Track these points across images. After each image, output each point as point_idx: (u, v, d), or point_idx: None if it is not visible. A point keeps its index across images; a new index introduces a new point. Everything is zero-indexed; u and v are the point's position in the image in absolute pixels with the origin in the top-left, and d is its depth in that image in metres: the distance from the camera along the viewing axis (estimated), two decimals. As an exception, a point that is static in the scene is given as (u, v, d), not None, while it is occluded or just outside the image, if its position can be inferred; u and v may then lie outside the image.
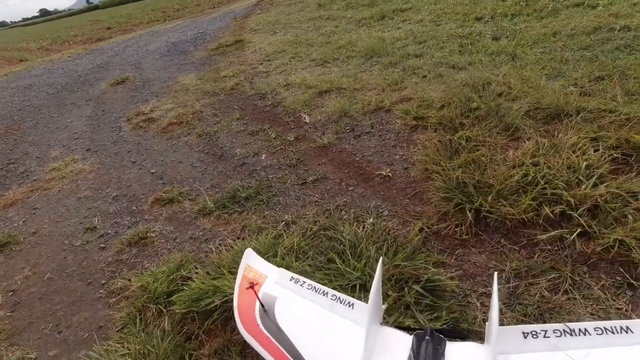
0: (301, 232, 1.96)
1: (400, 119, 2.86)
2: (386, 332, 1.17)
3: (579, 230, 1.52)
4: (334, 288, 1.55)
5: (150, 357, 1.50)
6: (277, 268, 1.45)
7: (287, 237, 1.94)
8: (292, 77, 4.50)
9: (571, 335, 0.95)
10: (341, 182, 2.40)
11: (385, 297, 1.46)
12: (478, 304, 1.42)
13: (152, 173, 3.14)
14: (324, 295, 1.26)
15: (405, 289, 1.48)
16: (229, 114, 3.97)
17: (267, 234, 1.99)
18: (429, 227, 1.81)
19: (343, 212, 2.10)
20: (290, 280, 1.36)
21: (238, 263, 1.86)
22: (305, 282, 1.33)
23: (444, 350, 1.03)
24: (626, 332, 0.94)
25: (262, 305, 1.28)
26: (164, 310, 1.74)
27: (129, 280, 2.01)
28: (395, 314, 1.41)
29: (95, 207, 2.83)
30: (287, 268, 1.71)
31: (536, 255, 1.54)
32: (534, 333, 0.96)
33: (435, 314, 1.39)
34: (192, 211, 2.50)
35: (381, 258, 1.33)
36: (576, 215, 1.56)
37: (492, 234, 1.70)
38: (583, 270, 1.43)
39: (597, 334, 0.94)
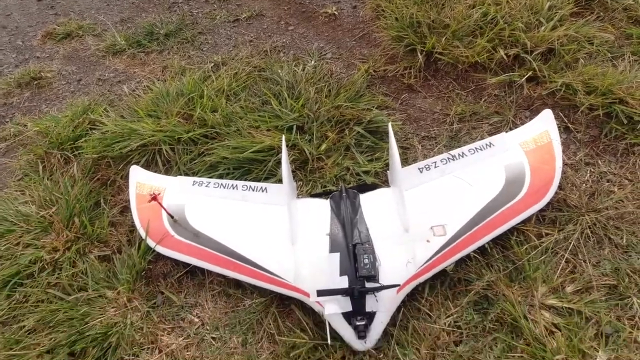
0: (232, 73, 1.69)
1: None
2: (305, 202, 1.21)
3: (529, 74, 1.44)
4: (268, 130, 1.41)
5: (60, 204, 1.32)
6: (174, 177, 1.33)
7: (216, 79, 1.67)
8: None
9: (454, 160, 1.15)
10: (280, 20, 2.05)
11: (324, 138, 1.35)
12: (419, 147, 1.38)
13: (38, 1, 2.47)
14: (233, 188, 1.23)
15: (346, 130, 1.37)
16: None
17: (192, 75, 1.70)
18: (376, 70, 1.64)
19: (281, 54, 1.83)
20: (193, 184, 1.27)
21: (158, 106, 1.62)
22: (210, 182, 1.26)
23: (359, 202, 1.14)
24: (489, 146, 1.16)
25: (170, 215, 1.19)
26: (72, 157, 1.51)
27: (25, 125, 1.69)
28: (334, 156, 1.33)
29: (-34, 41, 2.23)
30: (215, 109, 1.51)
31: (482, 100, 1.47)
32: (427, 166, 1.14)
33: (375, 155, 1.33)
34: (98, 49, 2.06)
35: (283, 136, 1.25)
36: (529, 59, 1.46)
37: (441, 79, 1.58)
38: (525, 115, 1.40)
39: (471, 154, 1.15)
